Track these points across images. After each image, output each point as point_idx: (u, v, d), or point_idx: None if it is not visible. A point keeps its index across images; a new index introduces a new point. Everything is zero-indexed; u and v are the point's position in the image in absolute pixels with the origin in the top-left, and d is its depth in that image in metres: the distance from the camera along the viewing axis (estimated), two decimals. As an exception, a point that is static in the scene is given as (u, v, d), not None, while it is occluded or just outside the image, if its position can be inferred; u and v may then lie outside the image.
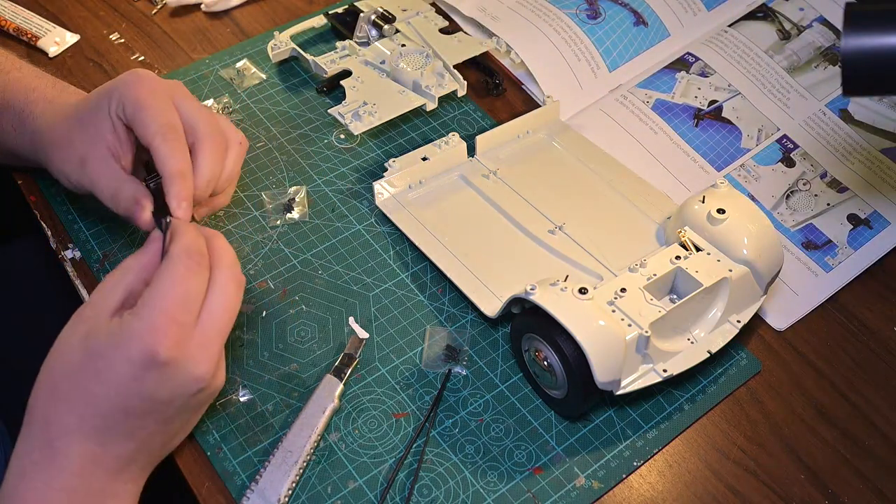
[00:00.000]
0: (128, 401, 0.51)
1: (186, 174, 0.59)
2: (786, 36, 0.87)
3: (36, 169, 0.77)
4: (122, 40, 0.90)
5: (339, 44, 0.86)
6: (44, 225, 0.74)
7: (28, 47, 0.88)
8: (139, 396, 0.51)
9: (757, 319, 0.71)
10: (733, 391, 0.67)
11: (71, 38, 0.89)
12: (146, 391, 0.51)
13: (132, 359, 0.50)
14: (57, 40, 0.88)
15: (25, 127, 0.68)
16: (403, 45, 0.85)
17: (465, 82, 0.83)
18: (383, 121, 0.79)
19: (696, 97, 0.83)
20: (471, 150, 0.78)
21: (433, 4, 0.93)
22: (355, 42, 0.86)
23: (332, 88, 0.84)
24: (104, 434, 0.52)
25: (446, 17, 0.92)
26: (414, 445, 0.62)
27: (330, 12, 0.89)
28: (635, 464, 0.62)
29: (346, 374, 0.64)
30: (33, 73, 0.71)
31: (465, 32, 0.90)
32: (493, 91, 0.86)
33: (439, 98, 0.81)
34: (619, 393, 0.60)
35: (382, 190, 0.75)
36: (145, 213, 0.59)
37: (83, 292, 0.70)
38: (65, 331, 0.54)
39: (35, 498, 0.51)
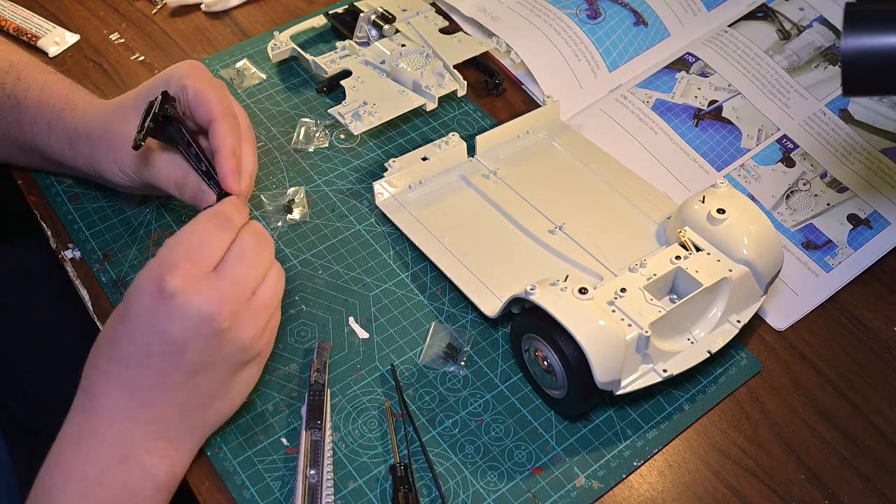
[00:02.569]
0: (144, 336, 0.53)
1: (237, 154, 0.62)
2: (786, 36, 0.87)
3: (36, 169, 0.77)
4: (122, 40, 0.90)
5: (339, 44, 0.86)
6: (44, 225, 0.74)
7: (28, 47, 0.88)
8: (153, 331, 0.53)
9: (757, 319, 0.71)
10: (733, 391, 0.67)
11: (71, 38, 0.89)
12: (159, 325, 0.53)
13: (143, 288, 0.53)
14: (57, 40, 0.88)
15: (65, 124, 0.69)
16: (403, 45, 0.85)
17: (465, 82, 0.83)
18: (383, 121, 0.79)
19: (696, 97, 0.83)
20: (471, 150, 0.78)
21: (433, 4, 0.93)
22: (355, 42, 0.86)
23: (332, 88, 0.84)
24: (130, 379, 0.54)
25: (446, 17, 0.92)
26: (413, 446, 0.62)
27: (330, 12, 0.89)
28: (635, 464, 0.62)
29: (324, 417, 0.62)
30: (70, 82, 0.73)
31: (465, 32, 0.90)
32: (493, 91, 0.86)
33: (439, 98, 0.81)
34: (619, 393, 0.60)
35: (382, 190, 0.75)
36: (212, 199, 0.63)
37: (83, 292, 0.70)
38: None
39: (71, 441, 0.54)
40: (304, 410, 0.62)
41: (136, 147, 0.59)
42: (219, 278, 0.54)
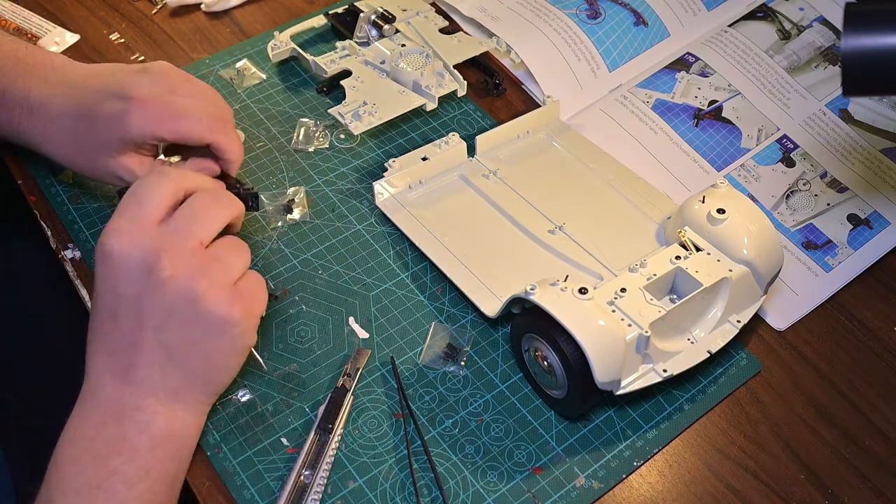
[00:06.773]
0: (105, 300, 0.55)
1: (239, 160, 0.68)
2: (786, 36, 0.87)
3: (36, 168, 0.77)
4: (122, 40, 0.90)
5: (339, 44, 0.86)
6: (44, 225, 0.74)
7: (28, 47, 0.88)
8: (110, 292, 0.55)
9: (757, 319, 0.71)
10: (733, 391, 0.67)
11: (71, 38, 0.89)
12: (110, 286, 0.55)
13: (96, 259, 0.56)
14: (57, 40, 0.88)
15: (25, 129, 0.68)
16: (403, 45, 0.85)
17: (465, 82, 0.83)
18: (383, 121, 0.79)
19: (696, 97, 0.83)
20: (471, 150, 0.78)
21: (433, 4, 0.93)
22: (355, 42, 0.86)
23: (332, 88, 0.84)
24: (108, 344, 0.56)
25: (446, 17, 0.92)
26: (413, 445, 0.62)
27: (330, 12, 0.89)
28: (635, 464, 0.62)
29: (336, 423, 0.62)
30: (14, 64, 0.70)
31: (465, 32, 0.90)
32: (493, 91, 0.86)
33: (439, 98, 0.81)
34: (619, 393, 0.60)
35: (382, 190, 0.75)
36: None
37: (83, 292, 0.70)
38: None
39: (76, 410, 0.57)
40: (321, 409, 0.62)
41: None
42: (160, 229, 0.55)
